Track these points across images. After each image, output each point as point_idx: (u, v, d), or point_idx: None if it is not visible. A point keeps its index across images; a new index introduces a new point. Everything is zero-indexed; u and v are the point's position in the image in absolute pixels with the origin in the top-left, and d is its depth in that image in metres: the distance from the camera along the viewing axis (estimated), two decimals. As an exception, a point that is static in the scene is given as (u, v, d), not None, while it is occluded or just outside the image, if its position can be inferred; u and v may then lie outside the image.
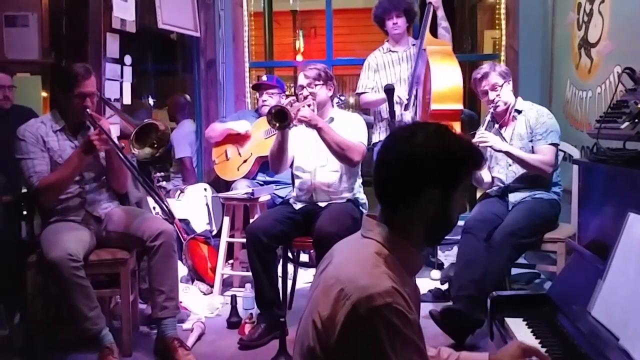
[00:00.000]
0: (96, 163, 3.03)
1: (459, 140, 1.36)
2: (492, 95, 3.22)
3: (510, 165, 3.24)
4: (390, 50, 4.14)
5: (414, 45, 4.07)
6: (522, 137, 3.21)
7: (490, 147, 3.14)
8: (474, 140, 3.10)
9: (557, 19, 4.07)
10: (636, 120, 1.87)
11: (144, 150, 2.92)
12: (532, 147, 3.17)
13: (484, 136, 3.14)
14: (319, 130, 3.11)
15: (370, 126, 3.87)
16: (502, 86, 3.22)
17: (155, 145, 2.93)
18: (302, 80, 3.27)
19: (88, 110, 2.90)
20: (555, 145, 3.14)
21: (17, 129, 2.93)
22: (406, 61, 4.05)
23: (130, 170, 2.97)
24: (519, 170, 3.21)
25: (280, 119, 3.04)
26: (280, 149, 3.20)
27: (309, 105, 3.16)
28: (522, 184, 3.21)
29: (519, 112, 3.25)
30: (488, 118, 3.24)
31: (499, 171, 3.28)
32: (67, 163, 2.88)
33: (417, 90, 3.84)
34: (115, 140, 3.02)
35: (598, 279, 1.64)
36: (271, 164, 3.34)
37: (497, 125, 3.26)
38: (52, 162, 2.92)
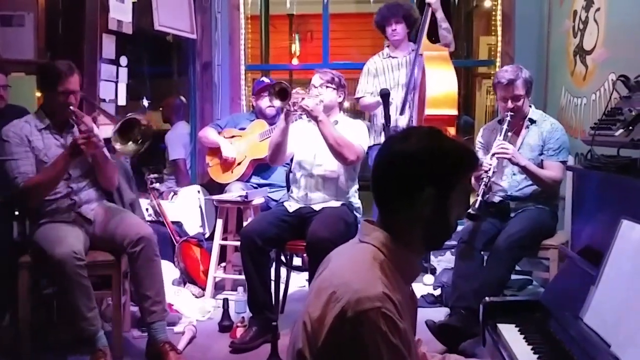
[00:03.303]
0: (82, 160, 2.98)
1: (451, 141, 1.37)
2: (511, 104, 3.14)
3: (514, 174, 3.22)
4: (390, 56, 4.15)
5: (413, 51, 4.08)
6: (532, 148, 3.18)
7: (509, 159, 3.07)
8: (493, 149, 3.08)
9: (553, 26, 4.08)
10: (630, 128, 1.87)
11: (127, 147, 2.86)
12: (542, 160, 3.16)
13: (504, 147, 3.06)
14: (318, 122, 3.14)
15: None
16: (523, 97, 3.16)
17: (140, 141, 2.88)
18: (315, 80, 3.34)
19: (71, 107, 2.88)
20: (565, 162, 3.13)
21: (1, 131, 2.91)
22: (405, 66, 4.06)
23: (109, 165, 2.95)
24: (522, 180, 3.20)
25: (282, 96, 3.13)
26: (282, 135, 3.23)
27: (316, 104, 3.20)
28: (525, 194, 3.20)
29: (533, 121, 3.22)
30: (505, 126, 3.13)
31: (501, 178, 3.24)
32: (53, 165, 2.85)
33: (413, 96, 3.85)
34: (99, 136, 2.97)
35: (590, 285, 1.64)
36: (270, 154, 3.35)
37: (510, 133, 3.16)
38: (38, 161, 2.89)
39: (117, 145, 2.84)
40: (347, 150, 3.16)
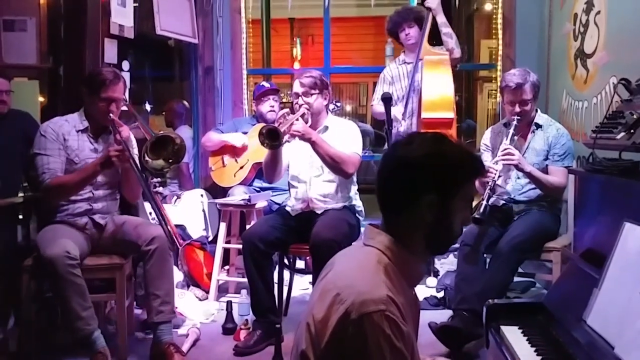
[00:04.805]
0: (111, 170, 3.01)
1: (455, 146, 1.37)
2: (518, 109, 3.13)
3: (518, 178, 3.22)
4: (405, 62, 4.13)
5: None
6: (538, 152, 3.18)
7: (515, 165, 3.07)
8: (499, 155, 3.07)
9: (554, 29, 4.09)
10: (632, 131, 1.88)
11: (157, 162, 2.87)
12: (547, 165, 3.15)
13: (510, 153, 3.05)
14: (312, 143, 3.09)
15: (366, 135, 3.87)
16: (531, 101, 3.14)
17: (170, 161, 2.89)
18: (297, 88, 3.23)
19: (111, 115, 2.91)
20: (569, 167, 3.12)
21: (40, 125, 2.99)
22: (420, 72, 4.04)
23: (141, 183, 2.96)
24: (525, 184, 3.20)
25: (272, 138, 3.01)
26: (274, 159, 3.19)
27: (302, 116, 3.13)
28: (528, 197, 3.20)
29: (539, 126, 3.21)
30: (512, 130, 3.11)
31: (506, 182, 3.24)
32: (83, 170, 2.90)
33: (413, 100, 3.86)
34: (134, 151, 3.01)
35: (593, 287, 1.65)
36: (265, 173, 3.32)
37: (516, 137, 3.15)
38: (68, 161, 2.94)
39: (147, 158, 2.84)
40: (344, 165, 3.13)
